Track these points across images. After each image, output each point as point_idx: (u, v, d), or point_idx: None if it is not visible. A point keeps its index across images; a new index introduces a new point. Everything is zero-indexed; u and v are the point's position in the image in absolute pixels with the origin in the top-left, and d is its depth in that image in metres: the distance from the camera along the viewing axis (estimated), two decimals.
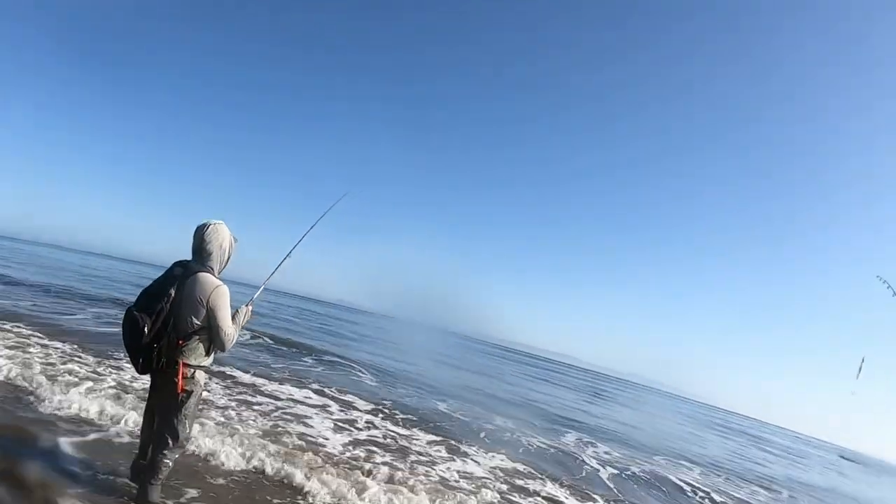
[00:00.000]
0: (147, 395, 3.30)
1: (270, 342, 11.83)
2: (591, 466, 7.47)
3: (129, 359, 3.01)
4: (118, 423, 4.44)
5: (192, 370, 3.05)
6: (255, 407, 6.00)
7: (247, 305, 3.35)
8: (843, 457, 36.60)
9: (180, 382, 2.95)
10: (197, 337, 3.01)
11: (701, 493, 7.60)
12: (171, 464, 3.15)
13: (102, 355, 6.68)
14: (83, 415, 4.48)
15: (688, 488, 7.69)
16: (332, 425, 6.00)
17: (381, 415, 7.10)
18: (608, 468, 7.63)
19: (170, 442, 3.06)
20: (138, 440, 3.51)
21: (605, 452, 8.85)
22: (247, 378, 7.40)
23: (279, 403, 6.41)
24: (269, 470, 4.17)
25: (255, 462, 4.24)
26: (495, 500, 4.80)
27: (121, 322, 2.99)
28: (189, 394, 3.05)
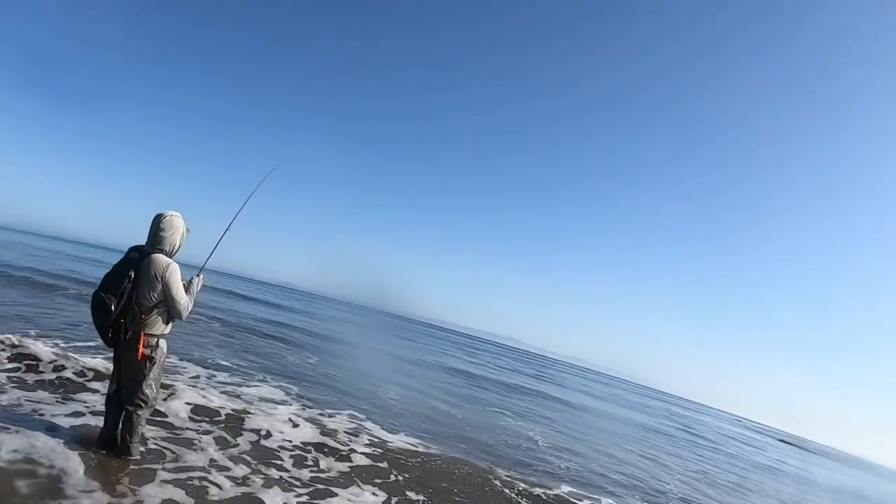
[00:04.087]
0: (111, 372, 3.71)
1: None
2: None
3: (98, 334, 3.44)
4: None
5: (156, 339, 3.55)
6: None
7: (198, 275, 3.86)
8: (782, 440, 38.74)
9: (141, 350, 3.44)
10: (157, 310, 3.50)
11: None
12: (144, 423, 3.68)
13: None
14: None
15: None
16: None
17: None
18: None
19: (141, 403, 3.57)
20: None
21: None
22: None
23: None
24: None
25: None
26: None
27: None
28: (153, 360, 3.55)
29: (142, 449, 3.76)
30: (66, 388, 4.92)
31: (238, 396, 6.10)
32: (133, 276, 3.38)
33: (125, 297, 3.34)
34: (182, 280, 3.62)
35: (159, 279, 3.43)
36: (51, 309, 9.40)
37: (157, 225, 3.54)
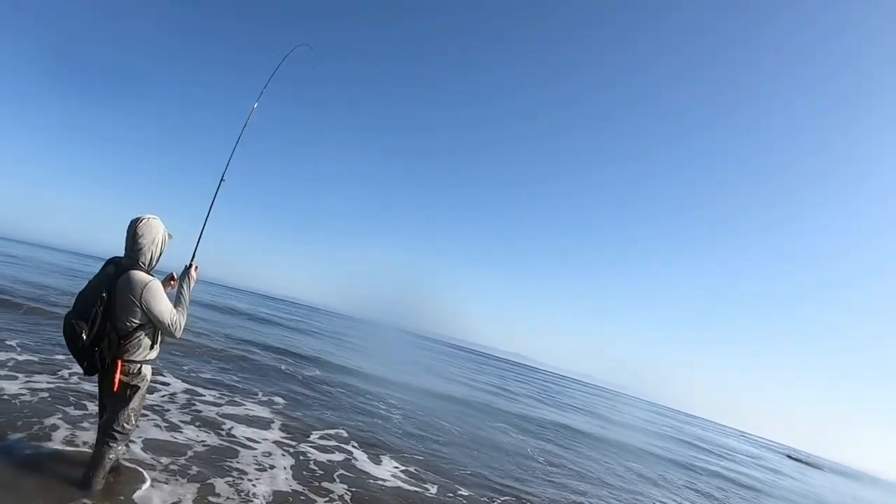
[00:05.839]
0: (98, 398, 3.38)
1: None
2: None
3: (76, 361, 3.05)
4: None
5: (138, 366, 3.15)
6: None
7: (190, 269, 3.42)
8: (790, 457, 38.25)
9: (116, 379, 3.04)
10: (140, 333, 3.08)
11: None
12: (115, 457, 3.27)
13: None
14: None
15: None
16: None
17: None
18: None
19: (116, 435, 3.18)
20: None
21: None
22: None
23: None
24: None
25: None
26: None
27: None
28: (135, 389, 3.16)
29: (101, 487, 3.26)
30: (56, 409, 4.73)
31: (219, 423, 5.89)
32: (106, 297, 2.94)
33: (97, 323, 2.93)
34: (172, 278, 3.34)
35: (137, 302, 2.98)
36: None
37: (133, 231, 3.08)
